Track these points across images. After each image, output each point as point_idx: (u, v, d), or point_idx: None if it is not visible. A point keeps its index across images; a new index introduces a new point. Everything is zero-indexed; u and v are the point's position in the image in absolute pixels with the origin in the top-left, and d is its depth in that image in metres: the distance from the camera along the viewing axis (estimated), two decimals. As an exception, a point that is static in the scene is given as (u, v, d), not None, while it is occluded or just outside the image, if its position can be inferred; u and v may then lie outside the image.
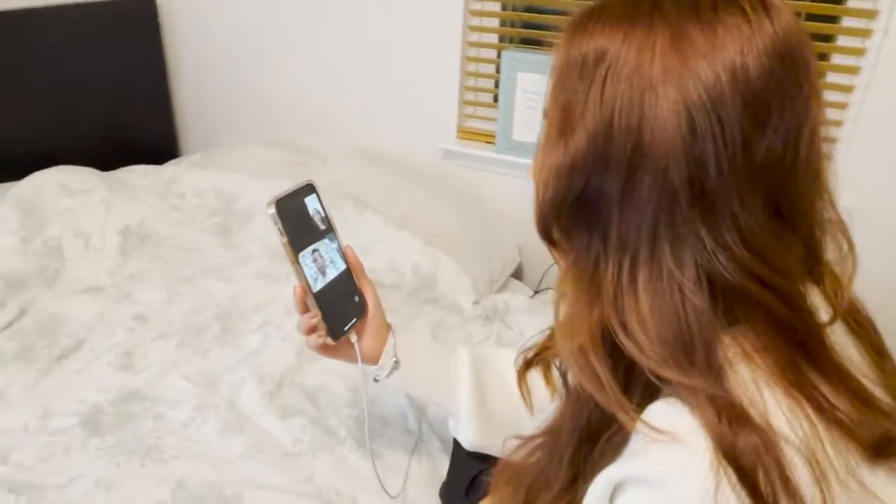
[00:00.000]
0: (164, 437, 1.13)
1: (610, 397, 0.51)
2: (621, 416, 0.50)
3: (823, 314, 0.52)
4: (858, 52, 1.61)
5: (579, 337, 0.51)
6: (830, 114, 1.70)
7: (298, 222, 0.75)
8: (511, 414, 0.86)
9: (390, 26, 1.94)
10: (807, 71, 0.48)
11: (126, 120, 2.26)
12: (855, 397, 0.48)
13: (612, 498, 0.50)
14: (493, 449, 0.87)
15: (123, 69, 2.23)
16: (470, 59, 1.97)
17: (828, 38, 1.66)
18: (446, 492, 1.01)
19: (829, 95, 1.66)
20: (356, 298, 0.82)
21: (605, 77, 0.48)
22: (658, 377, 0.49)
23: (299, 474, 1.06)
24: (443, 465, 1.07)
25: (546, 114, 0.52)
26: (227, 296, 1.52)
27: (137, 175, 1.93)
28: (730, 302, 0.48)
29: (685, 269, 0.47)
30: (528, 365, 0.77)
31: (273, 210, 0.73)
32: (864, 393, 0.49)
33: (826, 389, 0.47)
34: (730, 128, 0.45)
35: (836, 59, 1.65)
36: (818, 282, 0.53)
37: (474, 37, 1.95)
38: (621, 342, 0.49)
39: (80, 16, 2.01)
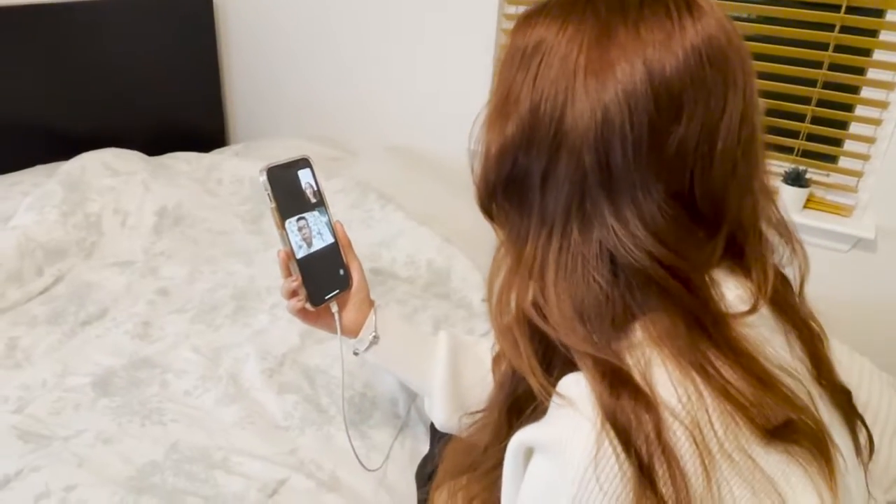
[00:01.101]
0: (165, 403, 1.17)
1: (525, 365, 0.52)
2: (534, 385, 0.51)
3: (744, 305, 0.52)
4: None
5: (506, 309, 0.53)
6: (863, 130, 1.65)
7: (289, 191, 0.77)
8: (484, 398, 0.86)
9: (426, 29, 1.99)
10: (728, 69, 0.49)
11: (179, 110, 2.31)
12: (756, 379, 0.48)
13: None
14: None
15: (179, 62, 2.32)
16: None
17: (867, 53, 1.63)
18: (420, 472, 1.03)
19: (861, 110, 1.62)
20: (341, 272, 0.83)
21: (539, 65, 0.50)
22: (566, 349, 0.50)
23: (285, 446, 1.09)
24: (425, 449, 1.08)
25: (490, 96, 0.54)
26: (246, 277, 1.56)
27: (181, 161, 2.00)
28: (633, 282, 0.49)
29: (590, 245, 0.49)
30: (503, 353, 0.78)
31: (264, 177, 0.75)
32: (767, 378, 0.49)
33: (722, 367, 0.47)
34: (638, 119, 0.47)
35: (873, 73, 1.62)
36: (745, 275, 0.53)
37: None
38: (534, 314, 0.51)
39: (141, 10, 2.12)
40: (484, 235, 0.59)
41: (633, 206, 0.48)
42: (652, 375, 0.47)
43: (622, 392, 0.45)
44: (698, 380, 0.46)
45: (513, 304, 0.53)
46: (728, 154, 0.50)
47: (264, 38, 2.34)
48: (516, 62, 0.52)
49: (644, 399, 0.45)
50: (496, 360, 0.75)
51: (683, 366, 0.47)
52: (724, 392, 0.46)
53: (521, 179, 0.52)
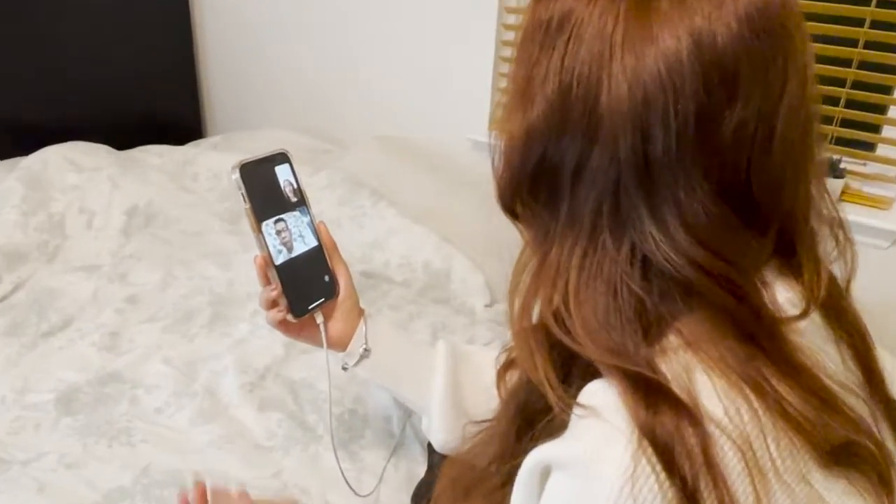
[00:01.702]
0: (134, 421, 1.16)
1: (541, 376, 0.51)
2: (551, 397, 0.51)
3: (795, 310, 0.51)
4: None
5: (528, 315, 0.52)
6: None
7: (265, 190, 0.77)
8: (488, 415, 0.84)
9: (422, 6, 1.99)
10: (787, 42, 0.47)
11: (149, 98, 2.36)
12: (814, 396, 0.47)
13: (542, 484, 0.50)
14: (465, 452, 0.88)
15: (150, 45, 2.31)
16: (505, 43, 1.96)
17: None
18: (416, 497, 1.02)
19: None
20: (326, 278, 0.83)
21: (568, 41, 0.48)
22: (592, 361, 0.49)
23: (267, 469, 1.08)
24: (422, 471, 1.07)
25: (508, 80, 0.53)
26: (225, 282, 1.55)
27: (152, 155, 2.00)
28: (671, 291, 0.48)
29: (622, 249, 0.48)
30: (510, 365, 0.75)
31: (237, 174, 0.74)
32: (825, 394, 0.48)
33: (777, 382, 0.46)
34: (684, 103, 0.45)
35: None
36: (795, 275, 0.53)
37: (511, 18, 1.94)
38: (553, 323, 0.50)
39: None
40: (486, 234, 0.62)
41: (673, 205, 0.47)
42: (694, 384, 0.46)
43: (661, 405, 0.44)
44: (752, 397, 0.45)
45: (531, 313, 0.53)
46: (788, 138, 0.48)
47: (245, 19, 2.33)
48: (539, 38, 0.50)
49: (686, 412, 0.44)
50: (502, 371, 0.74)
51: (734, 381, 0.46)
52: (781, 411, 0.45)
53: (549, 173, 0.51)
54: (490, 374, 0.83)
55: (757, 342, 0.48)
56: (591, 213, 0.49)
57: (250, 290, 1.51)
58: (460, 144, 1.97)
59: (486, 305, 1.56)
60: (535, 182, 0.52)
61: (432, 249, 1.63)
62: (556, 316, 0.50)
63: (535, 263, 0.53)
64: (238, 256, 1.66)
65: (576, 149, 0.49)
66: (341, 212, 1.73)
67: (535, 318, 0.53)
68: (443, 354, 0.88)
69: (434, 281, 1.60)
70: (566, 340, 0.50)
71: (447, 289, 1.59)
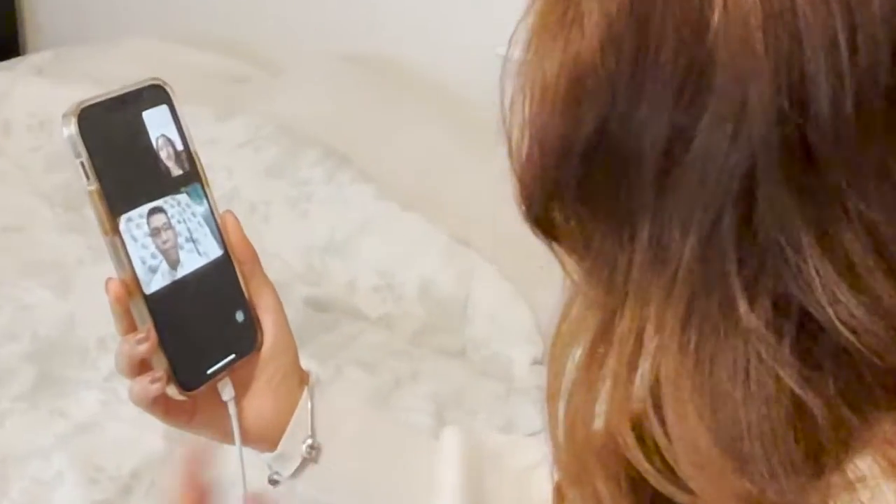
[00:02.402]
0: None
1: None
2: None
3: None
4: None
5: (585, 420, 0.46)
6: None
7: (125, 157, 0.63)
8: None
9: None
10: None
11: None
12: None
13: None
14: None
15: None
16: None
17: None
18: None
19: None
20: (239, 316, 0.68)
21: None
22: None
23: None
24: None
25: None
26: (59, 317, 1.35)
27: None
28: (862, 377, 0.40)
29: (759, 307, 0.40)
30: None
31: (72, 128, 0.60)
32: None
33: None
34: (870, 31, 0.37)
35: None
36: None
37: None
38: (633, 444, 0.44)
39: None
40: (524, 228, 0.46)
41: (862, 225, 0.38)
42: None
43: None
44: None
45: (596, 414, 0.46)
46: None
47: None
48: None
49: None
50: (559, 491, 0.60)
51: None
52: None
53: (613, 162, 0.41)
54: (541, 492, 0.75)
55: None
56: (696, 241, 0.40)
57: (104, 332, 1.29)
58: (480, 66, 1.41)
59: (536, 363, 1.36)
60: (588, 177, 0.41)
61: (438, 256, 1.42)
62: (638, 427, 0.44)
63: (592, 325, 0.44)
64: (85, 269, 1.43)
65: (663, 117, 0.39)
66: (269, 190, 1.53)
67: (597, 422, 0.46)
68: (454, 455, 0.76)
69: (441, 316, 1.42)
70: (656, 478, 0.44)
71: (464, 331, 1.40)
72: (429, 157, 1.58)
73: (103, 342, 1.27)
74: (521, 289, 1.39)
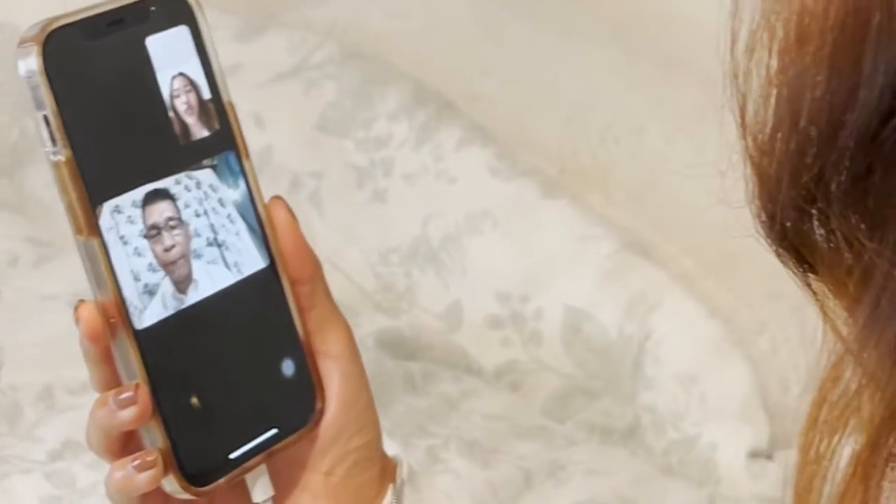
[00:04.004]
0: None
1: None
2: None
3: None
4: None
5: None
6: None
7: (115, 109, 0.55)
8: None
9: None
10: None
11: None
12: None
13: None
14: None
15: None
16: None
17: None
18: None
19: None
20: (287, 368, 0.60)
21: None
22: None
23: None
24: None
25: None
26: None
27: None
28: None
29: None
30: None
31: (34, 61, 0.53)
32: None
33: None
34: None
35: None
36: None
37: None
38: None
39: None
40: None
41: None
42: None
43: None
44: None
45: None
46: None
47: None
48: None
49: None
50: None
51: None
52: None
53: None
54: None
55: None
56: None
57: (51, 380, 1.10)
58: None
59: (757, 455, 1.11)
60: (873, 166, 0.34)
61: (593, 275, 1.15)
62: None
63: (877, 412, 0.36)
64: (17, 281, 1.20)
65: None
66: (324, 155, 1.25)
67: None
68: None
69: (597, 371, 1.15)
70: None
71: (637, 397, 1.13)
72: (590, 111, 1.21)
73: (49, 395, 1.03)
74: (736, 331, 1.09)
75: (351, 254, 1.13)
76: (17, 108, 1.33)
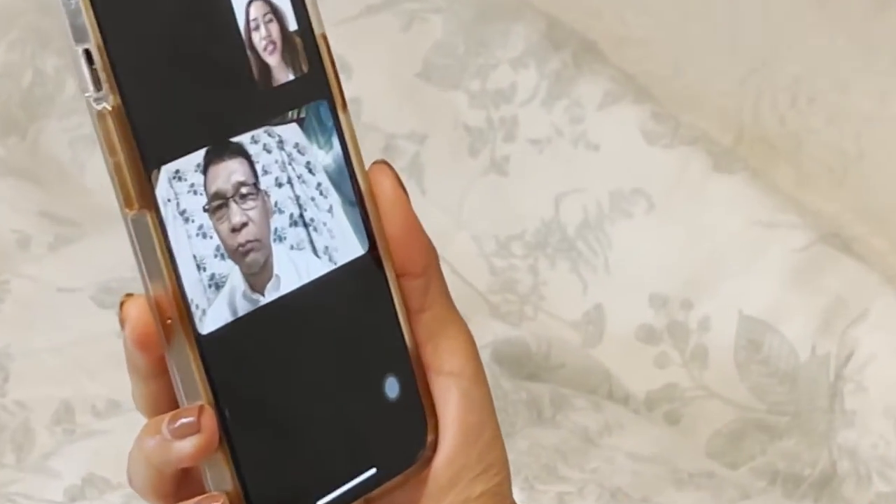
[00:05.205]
0: None
1: None
2: None
3: None
4: None
5: None
6: None
7: (176, 46, 0.44)
8: None
9: None
10: None
11: None
12: None
13: None
14: None
15: None
16: None
17: None
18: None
19: None
20: (391, 388, 0.48)
21: None
22: None
23: None
24: None
25: None
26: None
27: None
28: None
29: None
30: None
31: None
32: None
33: None
34: None
35: None
36: None
37: None
38: None
39: None
40: None
41: None
42: None
43: None
44: None
45: None
46: None
47: None
48: None
49: None
50: None
51: None
52: None
53: None
54: None
55: None
56: None
57: (55, 405, 0.99)
58: None
59: None
60: None
61: (778, 275, 1.03)
62: None
63: None
64: (24, 267, 1.08)
65: None
66: (437, 116, 1.14)
67: None
68: None
69: (783, 402, 1.03)
70: None
71: (835, 435, 1.01)
72: (777, 60, 1.07)
73: (68, 416, 0.92)
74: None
75: (460, 241, 1.00)
76: (30, 42, 1.17)
